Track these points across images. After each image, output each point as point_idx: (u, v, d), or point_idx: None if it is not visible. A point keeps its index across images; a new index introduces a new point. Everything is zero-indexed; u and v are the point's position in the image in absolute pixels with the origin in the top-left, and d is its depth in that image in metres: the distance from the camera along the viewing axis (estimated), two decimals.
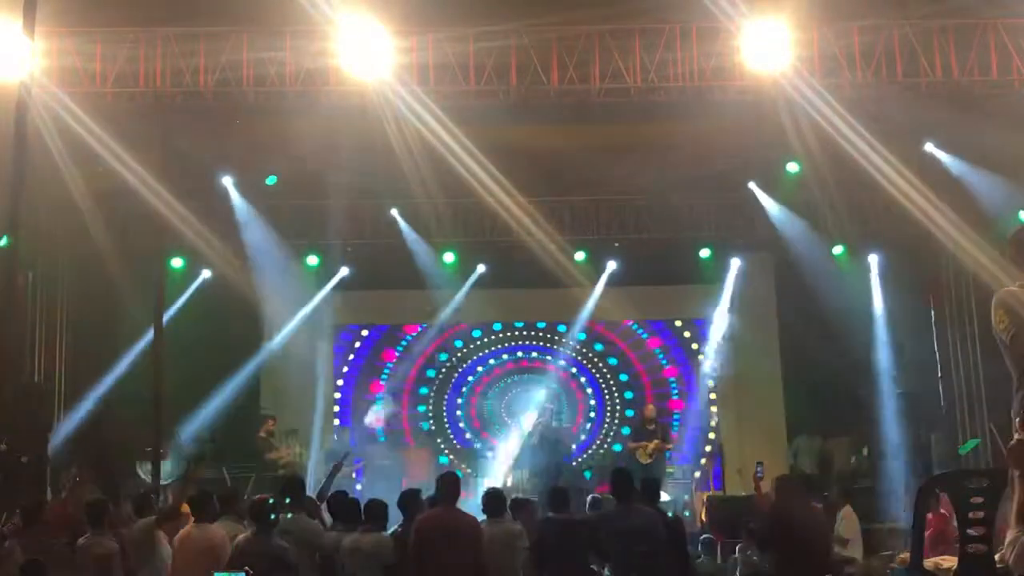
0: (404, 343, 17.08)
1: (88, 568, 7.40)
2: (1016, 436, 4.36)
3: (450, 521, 7.50)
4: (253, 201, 14.79)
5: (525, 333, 17.22)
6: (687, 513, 13.56)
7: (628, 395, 17.00)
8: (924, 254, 14.77)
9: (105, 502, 8.12)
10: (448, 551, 7.33)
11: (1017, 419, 4.38)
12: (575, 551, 7.82)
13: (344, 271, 16.15)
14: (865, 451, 14.57)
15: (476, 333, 17.14)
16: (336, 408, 16.83)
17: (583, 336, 17.06)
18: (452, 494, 7.67)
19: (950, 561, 7.77)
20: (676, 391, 17.08)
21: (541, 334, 17.25)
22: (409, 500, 8.25)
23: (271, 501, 7.53)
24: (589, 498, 10.48)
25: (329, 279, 16.25)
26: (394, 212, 15.17)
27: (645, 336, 17.17)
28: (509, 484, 14.09)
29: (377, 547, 7.40)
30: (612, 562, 7.70)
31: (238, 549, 7.28)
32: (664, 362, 17.15)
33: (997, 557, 6.90)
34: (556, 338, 17.21)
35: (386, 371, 16.97)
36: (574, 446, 16.31)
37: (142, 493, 9.72)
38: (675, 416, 16.75)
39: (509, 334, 17.21)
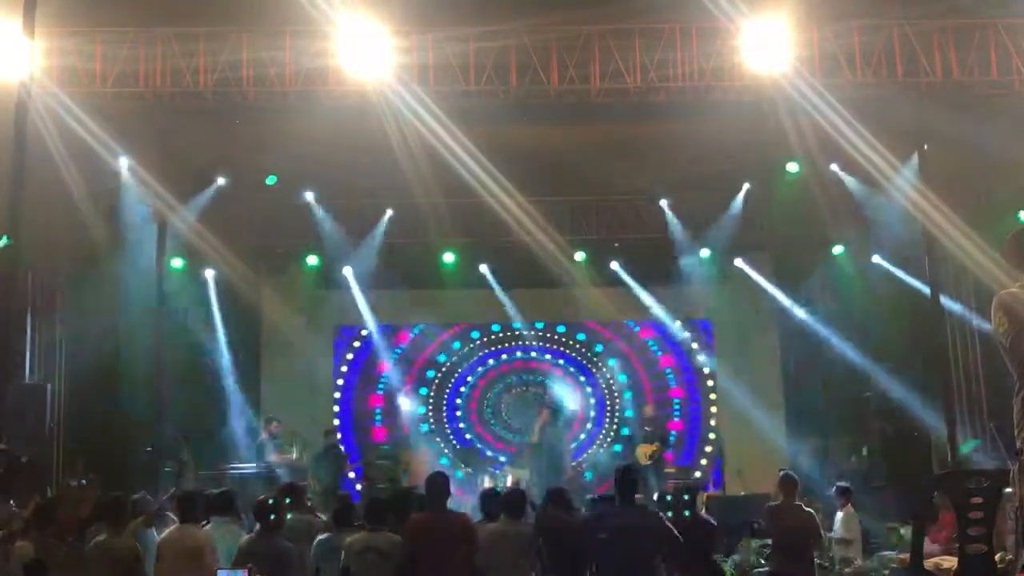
0: (404, 343, 17.09)
1: (105, 568, 7.35)
2: (1021, 441, 4.35)
3: (440, 523, 7.53)
4: (253, 201, 14.81)
5: (524, 333, 17.22)
6: (687, 512, 13.54)
7: (628, 395, 17.00)
8: (924, 254, 14.75)
9: (124, 499, 8.07)
10: (440, 552, 7.36)
11: None
12: (572, 551, 7.85)
13: (345, 271, 16.17)
14: (865, 451, 14.58)
15: (476, 333, 17.14)
16: (336, 409, 16.85)
17: (582, 336, 17.08)
18: (441, 496, 7.71)
19: (950, 561, 7.79)
20: (676, 391, 17.08)
21: (541, 334, 17.25)
22: (400, 501, 8.27)
23: (271, 501, 7.52)
24: (588, 498, 10.50)
25: (329, 279, 16.26)
26: (392, 212, 15.19)
27: (645, 337, 17.17)
28: (509, 483, 14.08)
29: (393, 547, 7.41)
30: (608, 560, 7.71)
31: (242, 550, 7.28)
32: (664, 362, 17.15)
33: (997, 557, 6.91)
34: (556, 338, 17.22)
35: (385, 373, 16.97)
36: (573, 445, 16.33)
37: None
38: (675, 409, 16.79)
39: (509, 334, 17.21)
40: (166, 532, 7.68)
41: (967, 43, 11.37)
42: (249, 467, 13.71)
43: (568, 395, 16.35)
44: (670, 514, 8.39)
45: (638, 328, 17.14)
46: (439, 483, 7.81)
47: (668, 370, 17.11)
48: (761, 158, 13.78)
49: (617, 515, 7.72)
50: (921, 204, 12.70)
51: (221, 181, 14.13)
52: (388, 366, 16.90)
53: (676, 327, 17.05)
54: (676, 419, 16.90)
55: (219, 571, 7.18)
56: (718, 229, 15.48)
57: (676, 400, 17.06)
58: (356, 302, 16.40)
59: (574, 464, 15.76)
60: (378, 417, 16.75)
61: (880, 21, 11.47)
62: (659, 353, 17.13)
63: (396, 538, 7.52)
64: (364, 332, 17.00)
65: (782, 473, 9.09)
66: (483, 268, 16.26)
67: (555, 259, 15.24)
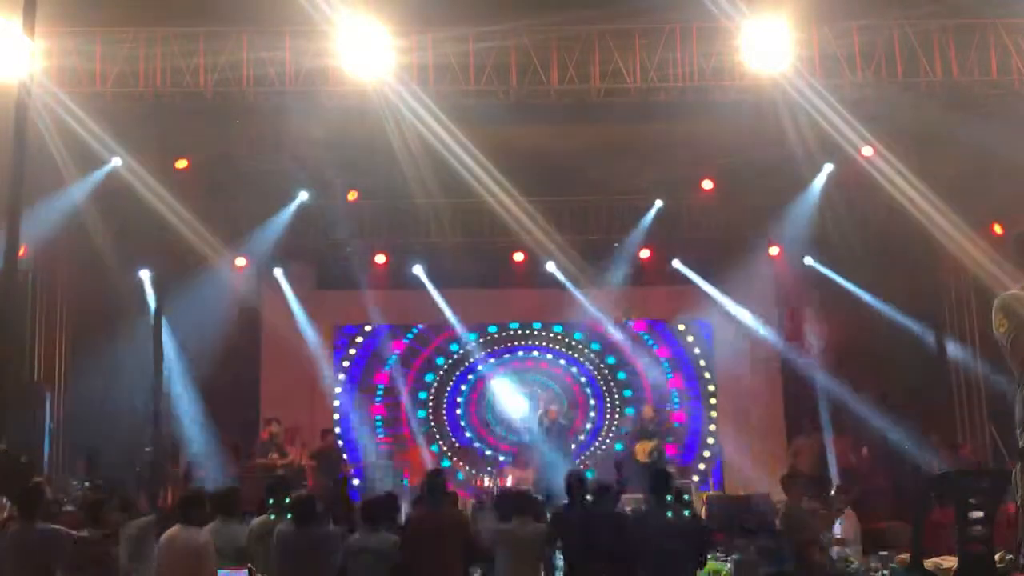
0: (404, 344, 17.08)
1: (86, 565, 7.36)
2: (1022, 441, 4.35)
3: (436, 521, 7.57)
4: (252, 201, 14.81)
5: (524, 333, 17.22)
6: (686, 513, 13.56)
7: (627, 394, 16.99)
8: (924, 254, 14.76)
9: (101, 500, 8.10)
10: (436, 549, 7.42)
11: None
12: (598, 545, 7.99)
13: (345, 271, 16.19)
14: (865, 451, 14.58)
15: (476, 334, 17.14)
16: (336, 407, 16.84)
17: (579, 336, 17.10)
18: (437, 493, 7.76)
19: (950, 561, 7.79)
20: (676, 392, 17.08)
21: (540, 334, 17.25)
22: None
23: (308, 497, 7.61)
24: (589, 498, 10.47)
25: (328, 279, 16.26)
26: (391, 212, 15.19)
27: (645, 336, 17.17)
28: (510, 483, 14.09)
29: (389, 547, 7.43)
30: (645, 558, 7.90)
31: (280, 537, 7.36)
32: (664, 362, 17.15)
33: (997, 557, 6.91)
34: (555, 338, 17.22)
35: (381, 386, 16.94)
36: (574, 445, 16.33)
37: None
38: (675, 405, 16.80)
39: (509, 334, 17.21)
40: (168, 532, 7.69)
41: (967, 43, 11.37)
42: (248, 467, 13.74)
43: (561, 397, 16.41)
44: (669, 514, 8.45)
45: (646, 336, 17.12)
46: (435, 481, 7.86)
47: (665, 362, 17.10)
48: (761, 158, 13.77)
49: (654, 515, 7.98)
50: (921, 204, 12.71)
51: (221, 181, 14.13)
52: (387, 376, 16.91)
53: (676, 327, 17.04)
54: (677, 410, 16.86)
55: (220, 571, 7.19)
56: (719, 229, 15.47)
57: (675, 391, 17.03)
58: (356, 302, 16.39)
59: (576, 464, 15.76)
60: (379, 427, 16.72)
61: (880, 21, 11.47)
62: (655, 346, 17.11)
63: (392, 538, 7.53)
64: (365, 330, 16.98)
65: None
66: (482, 268, 16.24)
67: (555, 259, 15.26)
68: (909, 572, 7.81)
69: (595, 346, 17.14)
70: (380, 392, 16.87)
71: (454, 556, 7.49)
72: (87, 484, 12.05)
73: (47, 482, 10.64)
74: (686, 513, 8.72)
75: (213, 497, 8.21)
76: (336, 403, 16.77)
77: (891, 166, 12.34)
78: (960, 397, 14.68)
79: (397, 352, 17.01)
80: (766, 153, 13.25)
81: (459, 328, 16.78)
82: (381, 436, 16.42)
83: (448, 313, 16.41)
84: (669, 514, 8.13)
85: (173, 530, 7.64)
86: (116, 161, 12.83)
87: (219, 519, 7.93)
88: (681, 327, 17.09)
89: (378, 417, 16.76)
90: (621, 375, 17.10)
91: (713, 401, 16.94)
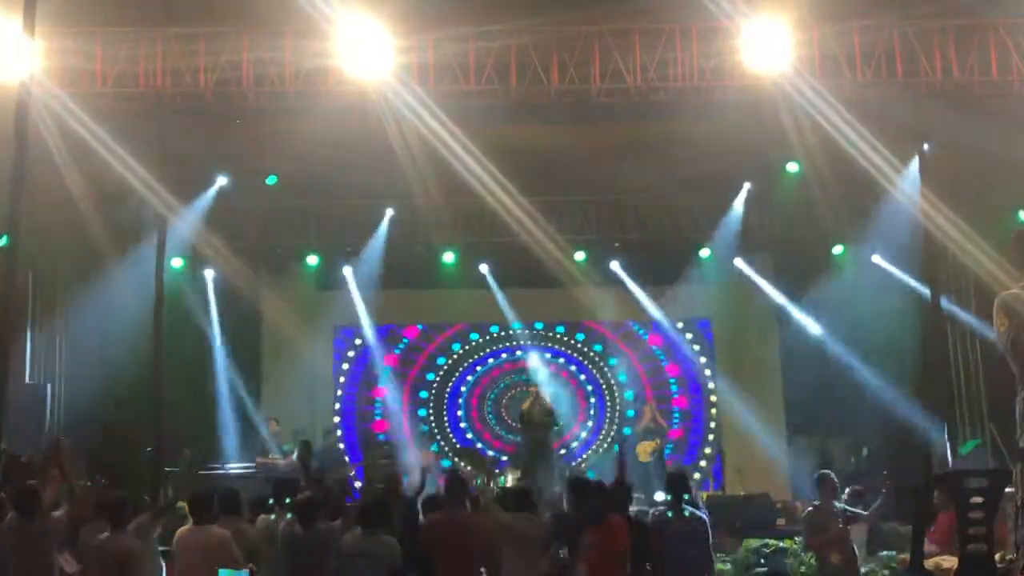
0: (404, 343, 17.08)
1: (110, 566, 7.38)
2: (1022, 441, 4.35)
3: (457, 522, 7.54)
4: (253, 201, 14.81)
5: (524, 333, 17.22)
6: (686, 512, 13.55)
7: (628, 395, 16.98)
8: (924, 254, 14.74)
9: (125, 499, 8.11)
10: (456, 552, 7.39)
11: None
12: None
13: (345, 271, 16.18)
14: (865, 451, 14.58)
15: (476, 334, 17.14)
16: (337, 408, 16.84)
17: (582, 336, 17.10)
18: (458, 495, 7.73)
19: (950, 561, 7.81)
20: (676, 391, 17.08)
21: (540, 334, 17.25)
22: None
23: (312, 498, 7.62)
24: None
25: (329, 279, 16.26)
26: (392, 212, 15.19)
27: (645, 336, 17.17)
28: (509, 483, 14.08)
29: (387, 550, 7.41)
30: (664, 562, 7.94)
31: (285, 538, 7.42)
32: (664, 362, 17.15)
33: (997, 557, 6.92)
34: (556, 338, 17.21)
35: (386, 371, 16.96)
36: (574, 445, 16.33)
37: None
38: (675, 413, 16.78)
39: (509, 334, 17.20)
40: (179, 531, 7.71)
41: (967, 43, 11.37)
42: (247, 467, 13.73)
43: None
44: (670, 514, 8.46)
45: (646, 336, 17.12)
46: (455, 483, 7.83)
47: (672, 381, 17.09)
48: (761, 158, 13.77)
49: (677, 519, 8.11)
50: (921, 204, 12.70)
51: (221, 181, 14.13)
52: (396, 359, 16.91)
53: (676, 327, 17.03)
54: (675, 427, 16.84)
55: (220, 571, 7.20)
56: (718, 229, 15.48)
57: (677, 409, 17.03)
58: (356, 302, 16.39)
59: (573, 465, 15.77)
60: (378, 408, 16.77)
61: (880, 21, 11.47)
62: (659, 352, 17.11)
63: (389, 540, 7.49)
64: (365, 333, 16.98)
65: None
66: (483, 268, 16.25)
67: (555, 259, 15.24)
68: (909, 572, 7.83)
69: (596, 347, 17.13)
70: (385, 376, 16.89)
71: (470, 561, 7.46)
72: (89, 484, 12.04)
73: (60, 479, 10.69)
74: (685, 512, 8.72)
75: (218, 496, 8.24)
76: (336, 399, 16.79)
77: (891, 166, 12.32)
78: (960, 396, 14.68)
79: (397, 353, 17.02)
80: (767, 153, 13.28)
81: (459, 328, 16.80)
82: (379, 418, 16.47)
83: (447, 314, 16.43)
84: (686, 513, 8.17)
85: (186, 529, 7.66)
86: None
87: (224, 518, 7.95)
88: (680, 326, 17.11)
89: (378, 399, 16.79)
90: (623, 377, 17.10)
91: (714, 400, 16.95)
